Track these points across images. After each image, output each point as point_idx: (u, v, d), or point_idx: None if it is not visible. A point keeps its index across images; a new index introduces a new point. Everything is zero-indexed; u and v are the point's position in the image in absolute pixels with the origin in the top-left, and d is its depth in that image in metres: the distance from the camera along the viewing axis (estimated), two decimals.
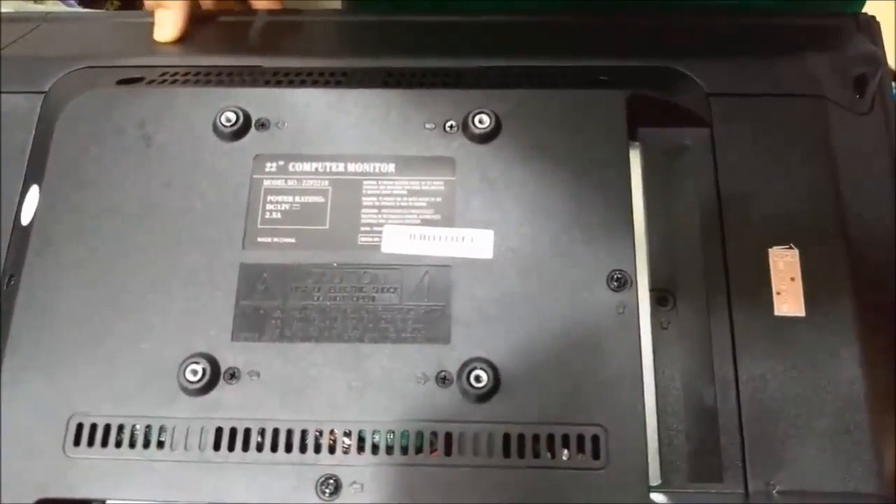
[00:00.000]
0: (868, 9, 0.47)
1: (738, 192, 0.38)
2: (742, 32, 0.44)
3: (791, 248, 0.38)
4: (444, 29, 0.45)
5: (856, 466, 0.34)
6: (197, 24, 0.45)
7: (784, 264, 0.38)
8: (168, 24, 0.44)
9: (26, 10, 0.61)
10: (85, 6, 0.73)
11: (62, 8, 0.67)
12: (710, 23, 0.44)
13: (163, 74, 0.41)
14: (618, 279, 0.35)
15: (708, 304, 0.37)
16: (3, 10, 0.58)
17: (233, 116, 0.38)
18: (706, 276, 0.37)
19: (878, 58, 0.42)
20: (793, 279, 0.38)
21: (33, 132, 0.41)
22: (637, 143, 0.40)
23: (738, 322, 0.36)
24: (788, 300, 0.37)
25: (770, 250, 0.38)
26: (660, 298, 0.37)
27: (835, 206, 0.38)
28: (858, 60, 0.42)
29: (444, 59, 0.41)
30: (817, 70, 0.41)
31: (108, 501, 0.33)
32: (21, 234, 0.38)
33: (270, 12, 0.48)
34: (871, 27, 0.44)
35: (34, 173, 0.39)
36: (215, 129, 0.38)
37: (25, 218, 0.38)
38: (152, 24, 0.45)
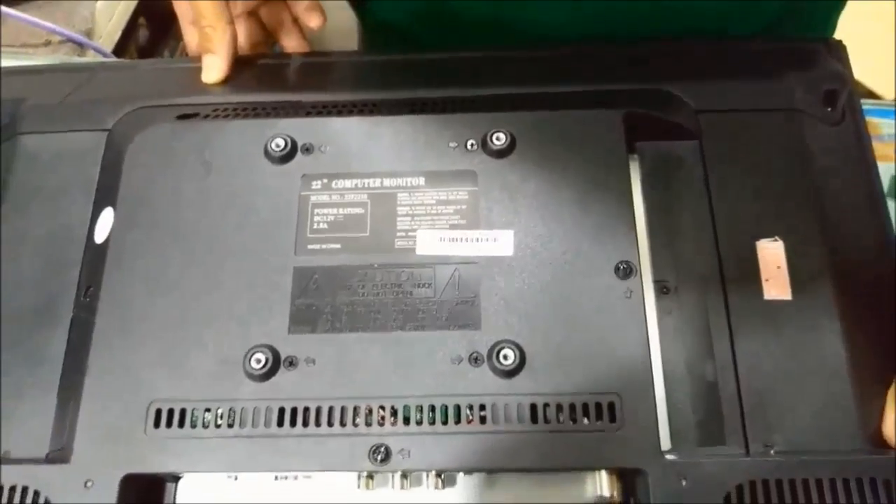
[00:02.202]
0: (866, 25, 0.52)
1: (727, 193, 0.43)
2: (725, 56, 0.49)
3: (776, 240, 0.43)
4: (458, 63, 0.50)
5: (842, 428, 0.38)
6: (238, 67, 0.51)
7: (770, 255, 0.43)
8: (215, 67, 0.50)
9: (75, 62, 0.67)
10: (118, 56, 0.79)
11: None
12: (698, 49, 0.50)
13: (215, 110, 0.47)
14: (624, 268, 0.40)
15: (705, 292, 0.41)
16: (50, 61, 0.65)
17: (281, 142, 0.43)
18: (702, 268, 0.42)
19: (846, 76, 0.48)
20: (779, 267, 0.43)
21: (99, 164, 0.46)
22: (636, 156, 0.45)
23: (733, 306, 0.41)
24: (776, 286, 0.42)
25: (757, 243, 0.43)
26: (662, 288, 0.42)
27: (813, 202, 0.43)
28: (828, 78, 0.47)
29: (461, 88, 0.47)
30: (793, 87, 0.46)
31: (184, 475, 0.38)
32: (95, 251, 0.43)
33: (303, 54, 0.54)
34: (838, 50, 0.50)
35: (105, 198, 0.44)
36: (266, 153, 0.43)
37: (99, 237, 0.44)
38: (196, 68, 0.51)
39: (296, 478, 0.39)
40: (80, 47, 0.69)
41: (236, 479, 0.39)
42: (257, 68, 0.52)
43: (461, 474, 0.38)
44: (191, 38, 0.54)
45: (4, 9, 0.66)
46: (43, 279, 0.43)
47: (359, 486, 0.38)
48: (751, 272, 0.42)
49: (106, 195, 0.45)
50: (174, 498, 0.39)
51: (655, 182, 0.45)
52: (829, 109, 0.46)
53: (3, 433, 0.39)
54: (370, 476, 0.38)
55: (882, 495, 0.35)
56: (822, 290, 0.41)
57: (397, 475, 0.38)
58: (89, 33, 0.71)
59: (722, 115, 0.46)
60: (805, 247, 0.42)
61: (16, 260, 0.44)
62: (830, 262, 0.42)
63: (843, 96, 0.47)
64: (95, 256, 0.43)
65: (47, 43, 0.69)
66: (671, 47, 0.50)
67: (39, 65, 0.62)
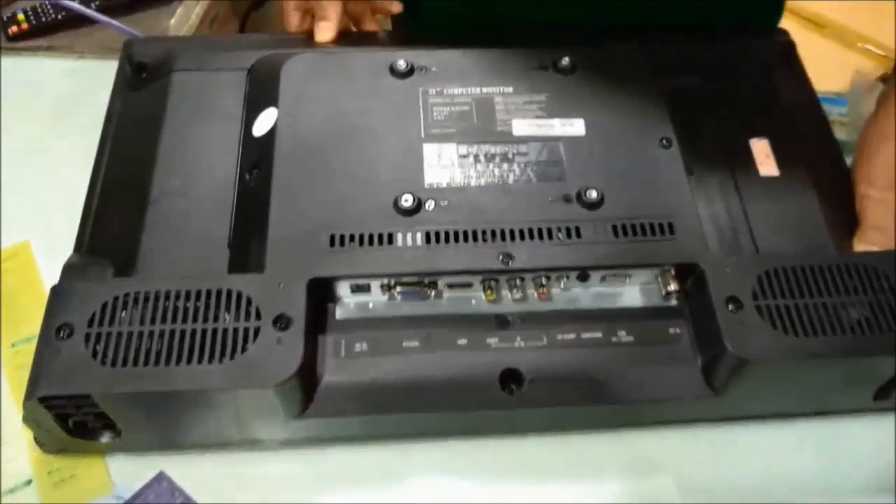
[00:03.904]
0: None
1: (724, 111, 0.60)
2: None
3: (763, 138, 0.60)
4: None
5: (821, 249, 0.54)
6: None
7: (760, 147, 0.59)
8: (328, 30, 0.64)
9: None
10: None
11: None
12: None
13: (342, 47, 0.61)
14: (665, 142, 0.55)
15: (719, 173, 0.57)
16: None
17: (403, 63, 0.58)
18: (715, 158, 0.58)
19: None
20: (767, 155, 0.59)
21: (244, 91, 0.59)
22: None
23: (739, 178, 0.57)
24: (767, 166, 0.58)
25: (751, 140, 0.59)
26: (688, 171, 0.57)
27: (783, 114, 0.60)
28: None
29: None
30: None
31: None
32: (255, 143, 0.56)
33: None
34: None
35: (257, 107, 0.57)
36: (392, 71, 0.58)
37: (258, 131, 0.56)
38: (302, 38, 0.65)
39: None
40: None
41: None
42: (356, 36, 0.67)
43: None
44: (292, 20, 0.68)
45: (95, 14, 0.78)
46: (204, 173, 0.55)
47: (484, 295, 0.50)
48: (748, 158, 0.58)
49: (258, 104, 0.57)
50: (337, 295, 0.50)
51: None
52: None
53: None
54: (494, 281, 0.50)
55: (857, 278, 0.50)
56: (800, 168, 0.57)
57: (513, 289, 0.50)
58: None
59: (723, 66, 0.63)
60: (786, 143, 0.59)
61: (181, 162, 0.56)
62: (804, 152, 0.58)
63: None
64: (256, 146, 0.56)
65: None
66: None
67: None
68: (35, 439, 0.51)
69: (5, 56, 0.77)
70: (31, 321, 0.58)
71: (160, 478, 0.52)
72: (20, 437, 0.53)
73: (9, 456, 0.52)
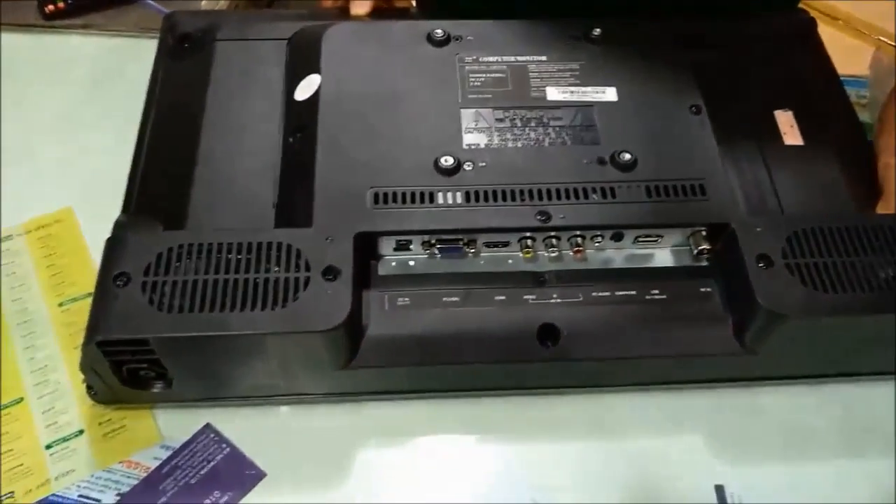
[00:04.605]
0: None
1: (753, 86, 0.62)
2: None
3: (787, 110, 0.61)
4: None
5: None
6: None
7: (785, 118, 0.61)
8: (364, 4, 0.66)
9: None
10: None
11: None
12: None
13: (378, 19, 0.63)
14: (695, 109, 0.57)
15: (746, 141, 0.59)
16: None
17: (440, 32, 0.60)
18: (743, 129, 0.59)
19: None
20: (791, 126, 0.61)
21: (284, 60, 0.61)
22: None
23: (765, 147, 0.59)
24: (792, 136, 0.60)
25: (775, 112, 0.61)
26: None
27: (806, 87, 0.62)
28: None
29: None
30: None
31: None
32: (296, 107, 0.58)
33: None
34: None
35: (297, 74, 0.59)
36: (429, 40, 0.60)
37: (300, 96, 0.58)
38: (338, 12, 0.67)
39: None
40: None
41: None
42: (389, 11, 0.68)
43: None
44: None
45: None
46: (248, 137, 0.57)
47: (522, 254, 0.52)
48: (774, 128, 0.60)
49: (300, 72, 0.59)
50: (380, 253, 0.52)
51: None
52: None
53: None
54: (531, 240, 0.52)
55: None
56: (824, 138, 0.59)
57: (549, 249, 0.52)
58: None
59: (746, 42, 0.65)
60: (809, 115, 0.61)
61: (225, 127, 0.58)
62: (827, 123, 0.60)
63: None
64: (299, 110, 0.57)
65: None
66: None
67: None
68: (87, 390, 0.52)
69: (42, 34, 0.79)
70: (77, 283, 0.60)
71: (207, 429, 0.54)
72: (72, 390, 0.55)
73: (61, 407, 0.54)
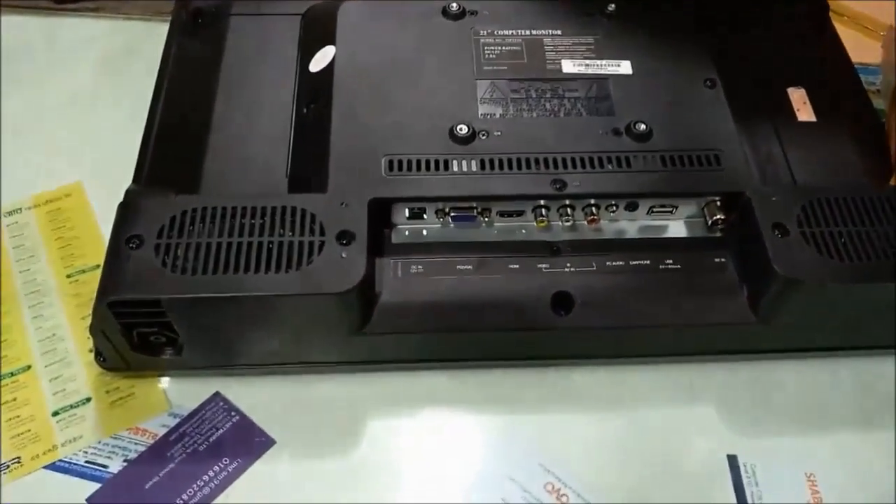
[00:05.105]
0: None
1: (765, 65, 0.62)
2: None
3: (799, 87, 0.61)
4: None
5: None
6: None
7: (798, 95, 0.61)
8: None
9: None
10: None
11: None
12: None
13: None
14: (710, 83, 0.57)
15: (759, 115, 0.59)
16: None
17: (456, 6, 0.60)
18: (757, 107, 0.59)
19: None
20: (804, 103, 0.61)
21: (297, 34, 0.61)
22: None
23: (778, 123, 0.58)
24: (804, 113, 0.60)
25: (788, 89, 0.61)
26: None
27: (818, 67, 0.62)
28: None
29: None
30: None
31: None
32: (311, 78, 0.58)
33: None
34: None
35: (311, 46, 0.59)
36: (444, 13, 0.60)
37: (315, 67, 0.58)
38: None
39: None
40: None
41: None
42: None
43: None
44: None
45: None
46: (262, 108, 0.57)
47: (536, 223, 0.52)
48: (786, 105, 0.60)
49: (314, 45, 0.59)
50: (393, 221, 0.52)
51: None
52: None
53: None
54: (545, 209, 0.52)
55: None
56: (836, 114, 0.59)
57: (563, 218, 0.52)
58: None
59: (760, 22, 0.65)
60: (821, 92, 0.60)
61: (239, 98, 0.58)
62: (839, 102, 0.60)
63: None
64: (313, 81, 0.57)
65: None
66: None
67: None
68: (96, 356, 0.52)
69: (54, 16, 0.79)
70: (85, 255, 0.60)
71: (216, 397, 0.53)
72: (80, 358, 0.54)
73: (69, 375, 0.54)
